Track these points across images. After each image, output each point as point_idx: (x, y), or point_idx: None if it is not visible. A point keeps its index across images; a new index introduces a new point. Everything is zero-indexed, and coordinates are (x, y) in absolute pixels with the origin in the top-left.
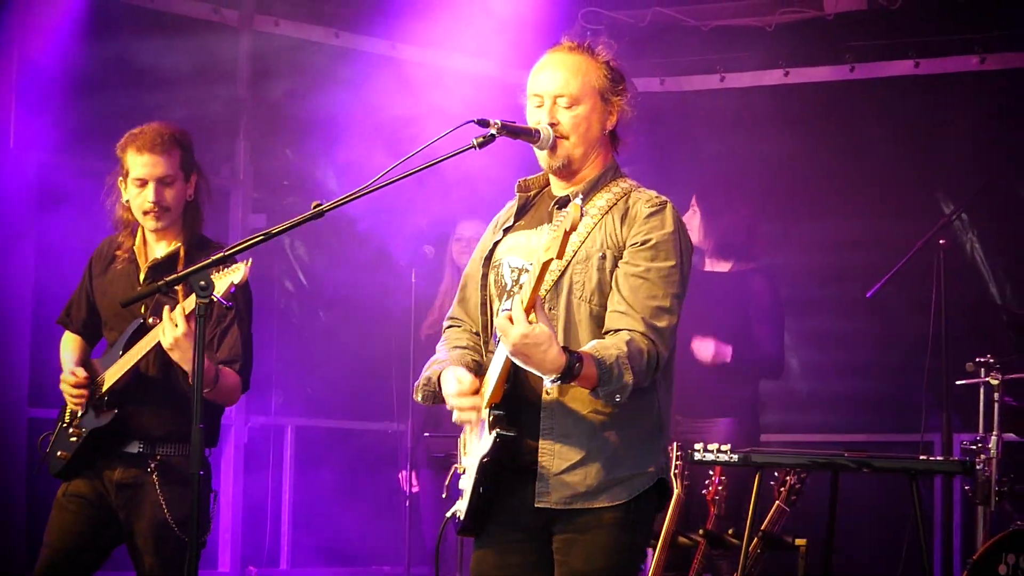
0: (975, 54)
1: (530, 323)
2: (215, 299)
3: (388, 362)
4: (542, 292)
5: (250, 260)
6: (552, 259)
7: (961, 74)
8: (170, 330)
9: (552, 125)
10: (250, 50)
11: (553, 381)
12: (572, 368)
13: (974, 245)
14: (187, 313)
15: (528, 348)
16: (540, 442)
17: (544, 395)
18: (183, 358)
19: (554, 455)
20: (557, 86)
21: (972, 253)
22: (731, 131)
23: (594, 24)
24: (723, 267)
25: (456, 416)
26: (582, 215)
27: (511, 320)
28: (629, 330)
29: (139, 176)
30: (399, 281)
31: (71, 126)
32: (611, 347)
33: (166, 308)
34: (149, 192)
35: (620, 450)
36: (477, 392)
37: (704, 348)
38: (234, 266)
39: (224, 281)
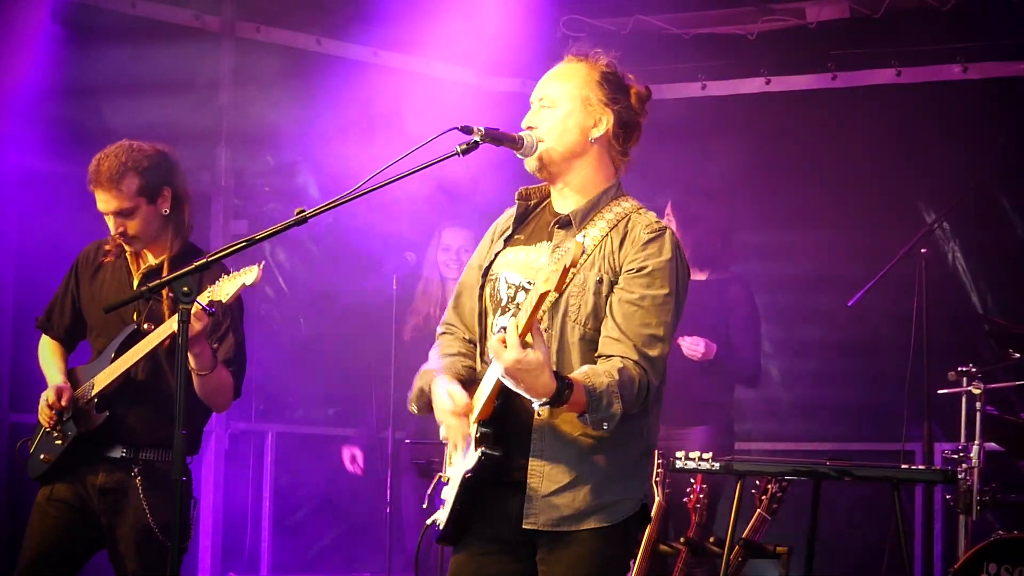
0: (957, 63)
1: (524, 347)
2: (198, 305)
3: (369, 369)
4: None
5: (262, 263)
6: (549, 291)
7: (943, 83)
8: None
9: (530, 128)
10: (232, 56)
11: (542, 405)
12: (562, 394)
13: (956, 254)
14: (196, 312)
15: (520, 373)
16: (530, 462)
17: (536, 417)
18: (192, 344)
19: (543, 477)
20: (540, 90)
21: (954, 262)
22: (712, 139)
23: (576, 32)
24: (700, 276)
25: (443, 433)
26: (583, 252)
27: (504, 343)
28: (622, 357)
29: (100, 210)
30: (380, 287)
31: (52, 132)
32: (602, 374)
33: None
34: (111, 225)
35: (609, 474)
36: (467, 413)
37: (694, 346)
38: (246, 268)
39: (234, 283)
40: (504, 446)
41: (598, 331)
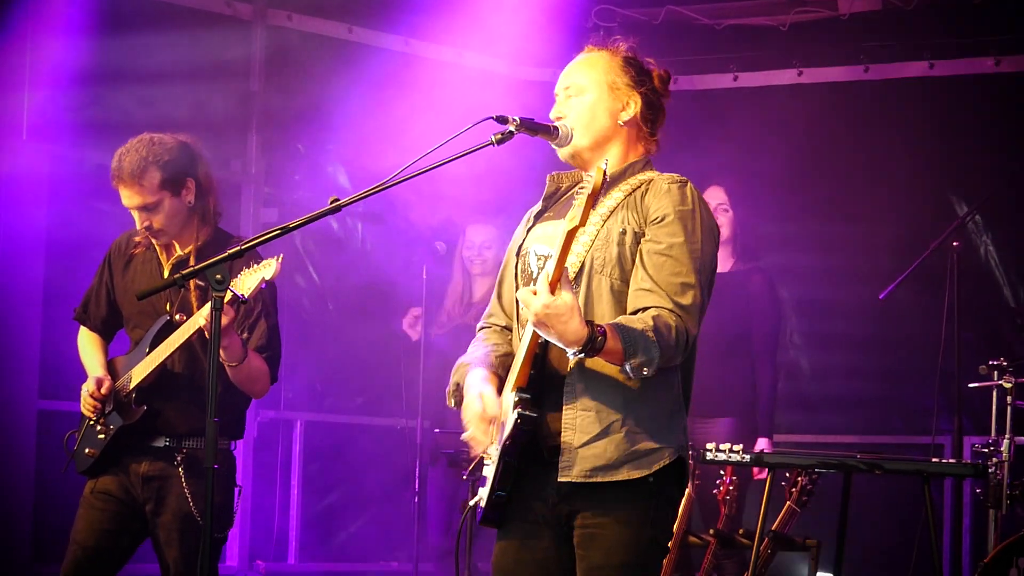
0: (990, 56)
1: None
2: (232, 293)
3: (398, 357)
4: (569, 265)
5: (281, 256)
6: (576, 227)
7: (976, 76)
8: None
9: (559, 118)
10: (263, 44)
11: (575, 354)
12: (594, 340)
13: (988, 248)
14: (227, 301)
15: (549, 318)
16: (563, 414)
17: (568, 372)
18: (222, 347)
19: (576, 429)
20: (565, 79)
21: (986, 256)
22: (744, 131)
23: (607, 22)
24: (725, 266)
25: (465, 435)
26: (605, 180)
27: (535, 293)
28: (656, 307)
29: (124, 205)
30: (410, 277)
31: (83, 119)
32: (636, 321)
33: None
34: (136, 220)
35: (641, 424)
36: (492, 421)
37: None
38: (264, 262)
39: (255, 277)
40: (541, 411)
41: (625, 282)
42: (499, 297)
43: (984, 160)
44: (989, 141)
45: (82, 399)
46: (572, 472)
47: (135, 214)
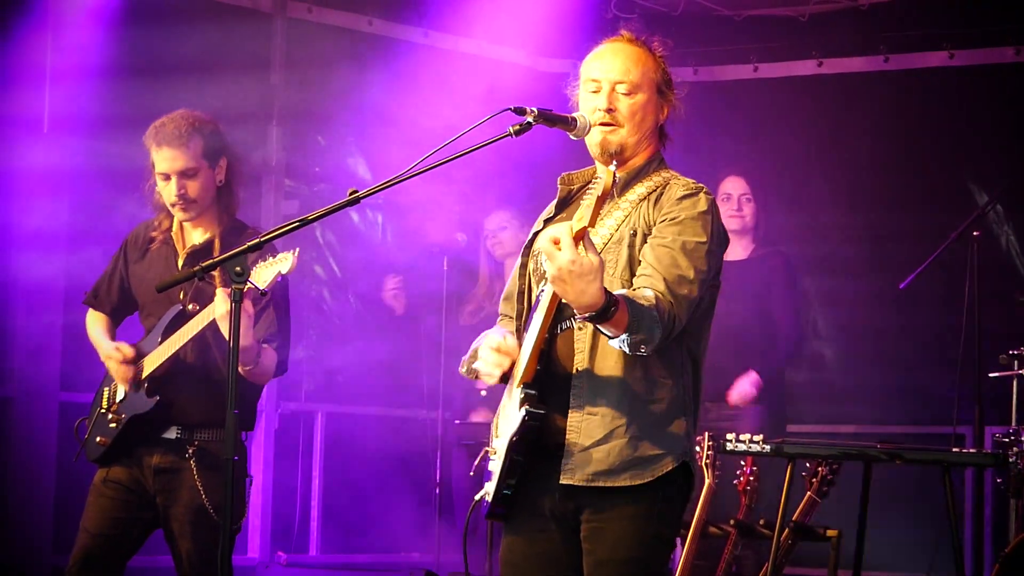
0: (1010, 46)
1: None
2: (251, 285)
3: (419, 349)
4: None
5: (297, 250)
6: (585, 228)
7: (996, 66)
8: (223, 306)
9: (610, 111)
10: (283, 37)
11: (585, 318)
12: (608, 309)
13: (1009, 237)
14: (262, 291)
15: (572, 276)
16: (569, 416)
17: (574, 371)
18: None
19: (580, 432)
20: (618, 72)
21: (1007, 245)
22: (764, 121)
23: (627, 13)
24: (741, 253)
25: (477, 364)
26: (615, 181)
27: (557, 245)
28: (652, 289)
29: (161, 171)
30: (431, 268)
31: (104, 111)
32: (641, 297)
33: (220, 289)
34: (172, 186)
35: (645, 430)
36: (510, 362)
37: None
38: (281, 255)
39: (271, 270)
40: (547, 408)
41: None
42: (508, 295)
43: (1005, 150)
44: (1010, 131)
45: (115, 369)
46: (575, 476)
47: (170, 183)
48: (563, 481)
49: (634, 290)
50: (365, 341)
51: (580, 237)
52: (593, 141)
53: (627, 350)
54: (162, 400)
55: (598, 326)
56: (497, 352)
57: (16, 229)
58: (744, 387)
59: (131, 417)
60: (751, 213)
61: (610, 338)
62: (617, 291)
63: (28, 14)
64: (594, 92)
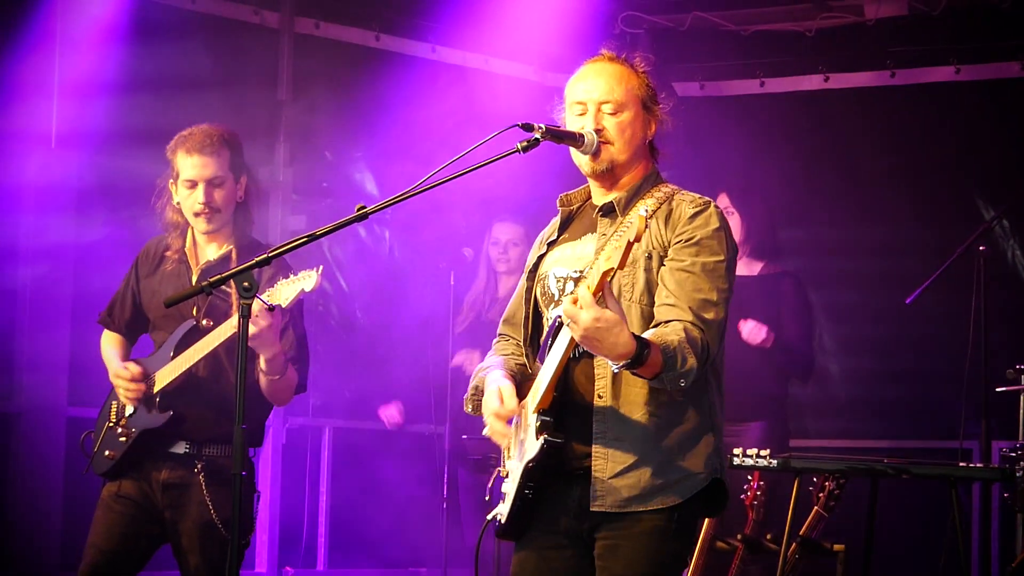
0: (1016, 61)
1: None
2: (261, 301)
3: (426, 364)
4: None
5: (320, 267)
6: (613, 268)
7: (1002, 81)
8: (254, 323)
9: (597, 131)
10: (290, 53)
11: (620, 367)
12: (641, 354)
13: (1015, 252)
14: (270, 306)
15: (600, 332)
16: (593, 447)
17: (596, 400)
18: (264, 347)
19: (607, 459)
20: (602, 93)
21: (1013, 260)
22: (770, 136)
23: (634, 28)
24: (754, 269)
25: (486, 431)
26: (647, 227)
27: (578, 305)
28: (679, 320)
29: (189, 177)
30: (437, 283)
31: (112, 127)
32: (671, 333)
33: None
34: (199, 193)
35: (673, 452)
36: (510, 418)
37: (757, 329)
38: (304, 273)
39: (294, 288)
40: (565, 434)
41: (653, 306)
42: (509, 317)
43: (1011, 164)
44: (1016, 145)
45: (124, 388)
46: (606, 503)
47: (196, 190)
48: (594, 509)
49: (664, 324)
50: (372, 356)
51: (604, 283)
52: (583, 160)
53: (669, 388)
54: (174, 415)
55: (635, 372)
56: (501, 418)
57: (24, 244)
58: (752, 326)
59: (142, 431)
60: (736, 225)
61: (648, 379)
62: (646, 333)
63: (37, 29)
64: (580, 115)
